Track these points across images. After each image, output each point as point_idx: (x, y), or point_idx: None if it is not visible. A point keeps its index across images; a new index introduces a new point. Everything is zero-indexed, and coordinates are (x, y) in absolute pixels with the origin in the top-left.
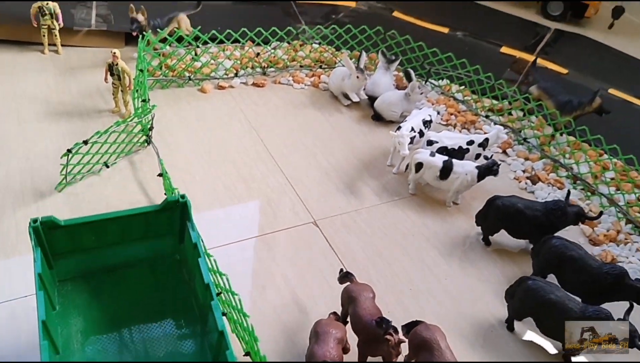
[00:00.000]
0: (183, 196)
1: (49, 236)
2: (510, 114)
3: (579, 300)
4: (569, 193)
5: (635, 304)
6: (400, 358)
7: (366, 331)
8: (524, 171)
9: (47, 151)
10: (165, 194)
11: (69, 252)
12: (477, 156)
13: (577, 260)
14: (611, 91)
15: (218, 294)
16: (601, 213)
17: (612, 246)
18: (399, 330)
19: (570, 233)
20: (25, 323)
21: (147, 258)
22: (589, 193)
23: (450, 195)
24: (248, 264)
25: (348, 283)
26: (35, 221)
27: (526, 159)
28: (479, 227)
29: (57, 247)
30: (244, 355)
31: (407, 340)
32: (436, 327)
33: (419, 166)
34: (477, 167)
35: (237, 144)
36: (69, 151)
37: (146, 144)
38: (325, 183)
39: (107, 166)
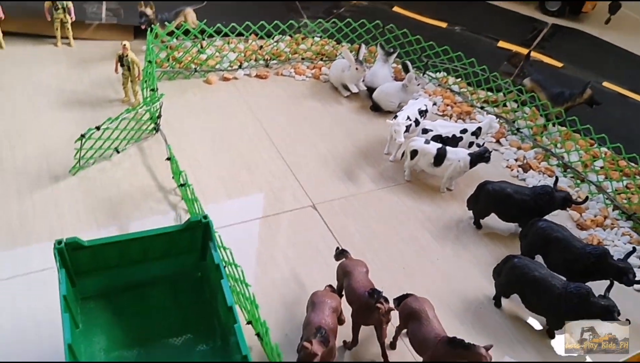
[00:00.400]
0: (205, 217)
1: (72, 255)
2: (505, 105)
3: (564, 278)
4: (556, 179)
5: (616, 282)
6: (393, 330)
7: (359, 301)
8: (516, 160)
9: (61, 137)
10: (173, 178)
11: (92, 270)
12: (470, 144)
13: (562, 240)
14: (605, 83)
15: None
16: (587, 198)
17: (599, 231)
18: (391, 302)
19: (559, 218)
20: (42, 294)
21: (168, 275)
22: (578, 181)
23: (444, 181)
24: (251, 243)
25: (344, 259)
26: (60, 242)
27: (518, 148)
28: (471, 211)
29: (81, 266)
30: (246, 324)
31: (397, 310)
32: (425, 299)
33: (414, 153)
34: (469, 154)
35: (241, 133)
36: (83, 136)
37: (155, 131)
38: (324, 170)
39: (118, 152)
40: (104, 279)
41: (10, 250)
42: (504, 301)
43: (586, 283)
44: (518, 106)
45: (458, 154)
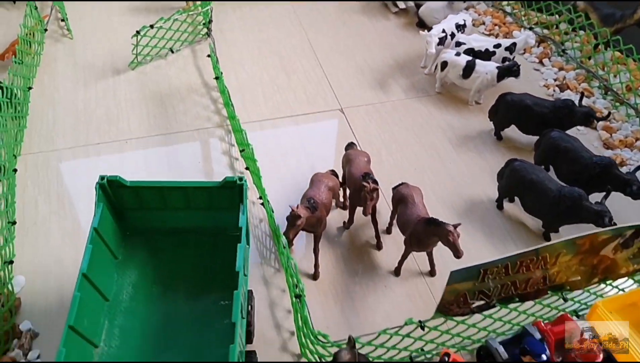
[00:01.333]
0: (241, 179)
1: (116, 192)
2: (556, 27)
3: (562, 183)
4: (582, 94)
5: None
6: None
7: (354, 184)
8: (555, 80)
9: (126, 38)
10: (214, 73)
11: (137, 209)
12: (504, 59)
13: (571, 151)
14: None
15: (242, 151)
16: (609, 114)
17: (626, 151)
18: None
19: (587, 137)
20: (95, 164)
21: (209, 227)
22: (617, 103)
23: (472, 94)
24: (278, 137)
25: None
26: (102, 178)
27: (560, 69)
28: (492, 122)
29: (125, 202)
30: (257, 198)
31: (377, 189)
32: (416, 187)
33: (444, 64)
34: (497, 67)
35: (286, 42)
36: (138, 32)
37: (207, 36)
38: (358, 78)
39: (172, 52)
40: (149, 219)
41: (74, 126)
42: (506, 205)
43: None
44: (568, 28)
45: (486, 67)
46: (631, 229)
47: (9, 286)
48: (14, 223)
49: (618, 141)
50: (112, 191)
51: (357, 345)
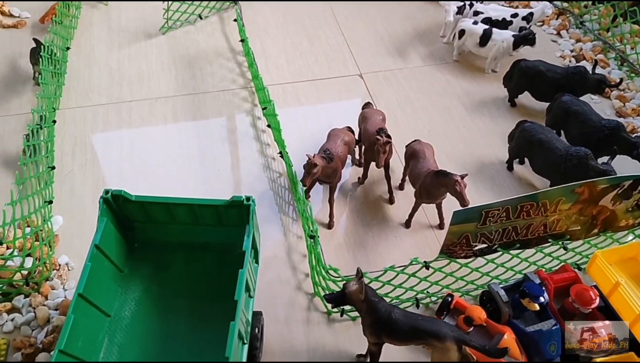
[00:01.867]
0: (248, 199)
1: (122, 205)
2: (578, 0)
3: (568, 143)
4: (595, 62)
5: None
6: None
7: (369, 139)
8: (572, 51)
9: (157, 4)
10: (240, 37)
11: (145, 221)
12: (521, 29)
13: (580, 114)
14: None
15: (264, 108)
16: (621, 80)
17: (638, 120)
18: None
19: (601, 105)
20: (129, 120)
21: (218, 243)
22: (632, 74)
23: (488, 61)
24: (298, 100)
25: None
26: (107, 192)
27: (578, 40)
28: (506, 89)
29: (132, 215)
30: (277, 153)
31: (391, 142)
32: (428, 144)
33: (461, 32)
34: (513, 35)
35: (310, 10)
36: None
37: (234, 3)
38: (378, 46)
39: (201, 18)
40: (157, 231)
41: (108, 85)
42: (516, 167)
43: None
44: (591, 3)
45: (502, 35)
46: (629, 179)
47: (49, 223)
48: (53, 168)
49: (630, 110)
50: (117, 204)
51: (365, 280)
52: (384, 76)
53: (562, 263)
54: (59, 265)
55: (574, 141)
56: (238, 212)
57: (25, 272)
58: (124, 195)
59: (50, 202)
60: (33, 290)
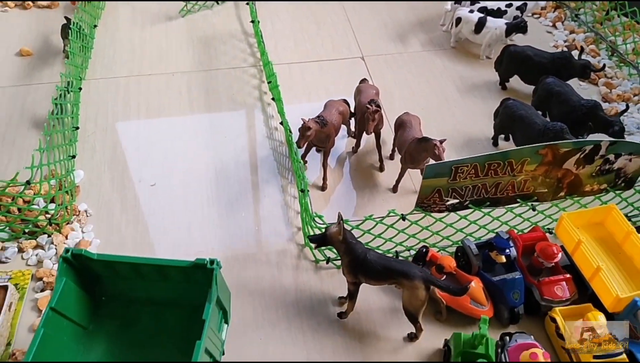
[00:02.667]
0: (212, 262)
1: (86, 262)
2: None
3: (547, 119)
4: (582, 49)
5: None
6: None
7: (361, 111)
8: (565, 42)
9: None
10: (251, 18)
11: (110, 277)
12: (515, 18)
13: (562, 94)
14: None
15: (269, 82)
16: (604, 66)
17: (622, 105)
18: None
19: (588, 91)
20: (148, 91)
21: (187, 301)
22: (621, 63)
23: (483, 48)
24: (303, 78)
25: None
26: (67, 251)
27: (571, 32)
28: (497, 73)
29: (98, 270)
30: (279, 123)
31: (381, 111)
32: (415, 116)
33: (458, 20)
34: (506, 23)
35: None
36: None
37: None
38: (381, 31)
39: (218, 3)
40: (124, 287)
41: (130, 59)
42: (501, 143)
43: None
44: None
45: (496, 23)
46: (589, 144)
47: (71, 175)
48: (77, 128)
49: (616, 96)
50: (79, 262)
51: (346, 226)
52: (384, 59)
53: (533, 226)
54: (79, 211)
55: (554, 119)
56: (204, 272)
57: (48, 215)
58: (85, 254)
59: (73, 157)
60: (55, 231)
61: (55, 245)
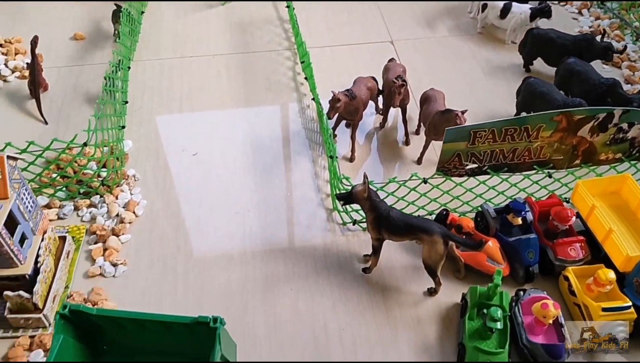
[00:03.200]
0: (216, 320)
1: (86, 317)
2: None
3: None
4: (604, 32)
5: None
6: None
7: (389, 87)
8: (590, 27)
9: None
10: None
11: (111, 328)
12: (540, 3)
13: (583, 73)
14: None
15: (302, 62)
16: (625, 47)
17: None
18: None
19: (611, 73)
20: (191, 74)
21: (192, 352)
22: None
23: (508, 32)
24: (334, 61)
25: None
26: (65, 307)
27: (597, 18)
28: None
29: (98, 322)
30: (311, 100)
31: (406, 86)
32: (440, 91)
33: (484, 6)
34: (530, 8)
35: None
36: None
37: None
38: (410, 17)
39: None
40: (127, 337)
41: (173, 43)
42: None
43: None
44: None
45: (521, 8)
46: (603, 112)
47: (121, 143)
48: (126, 102)
49: (639, 78)
50: (78, 317)
51: (371, 188)
52: (413, 44)
53: (550, 193)
54: (128, 176)
55: (575, 97)
56: (207, 329)
57: (100, 178)
58: (83, 310)
59: (123, 127)
60: (106, 192)
61: (107, 204)
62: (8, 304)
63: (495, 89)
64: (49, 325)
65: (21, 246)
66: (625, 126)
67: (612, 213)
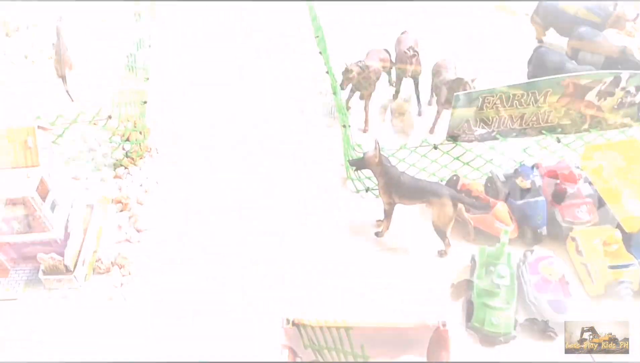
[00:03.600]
0: None
1: None
2: None
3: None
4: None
5: None
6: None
7: (400, 58)
8: None
9: None
10: None
11: None
12: None
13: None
14: None
15: (317, 36)
16: (638, 15)
17: None
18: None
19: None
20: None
21: None
22: None
23: None
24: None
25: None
26: None
27: None
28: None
29: None
30: (325, 72)
31: (418, 56)
32: (451, 60)
33: None
34: None
35: None
36: None
37: None
38: None
39: None
40: None
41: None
42: None
43: None
44: None
45: None
46: (609, 76)
47: (143, 118)
48: (148, 79)
49: None
50: None
51: (383, 154)
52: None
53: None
54: (149, 148)
55: (586, 63)
56: None
57: (124, 150)
58: None
59: (145, 102)
60: (130, 164)
61: (131, 175)
62: (42, 266)
63: (508, 62)
64: (79, 286)
65: (52, 212)
66: (632, 89)
67: (620, 176)
